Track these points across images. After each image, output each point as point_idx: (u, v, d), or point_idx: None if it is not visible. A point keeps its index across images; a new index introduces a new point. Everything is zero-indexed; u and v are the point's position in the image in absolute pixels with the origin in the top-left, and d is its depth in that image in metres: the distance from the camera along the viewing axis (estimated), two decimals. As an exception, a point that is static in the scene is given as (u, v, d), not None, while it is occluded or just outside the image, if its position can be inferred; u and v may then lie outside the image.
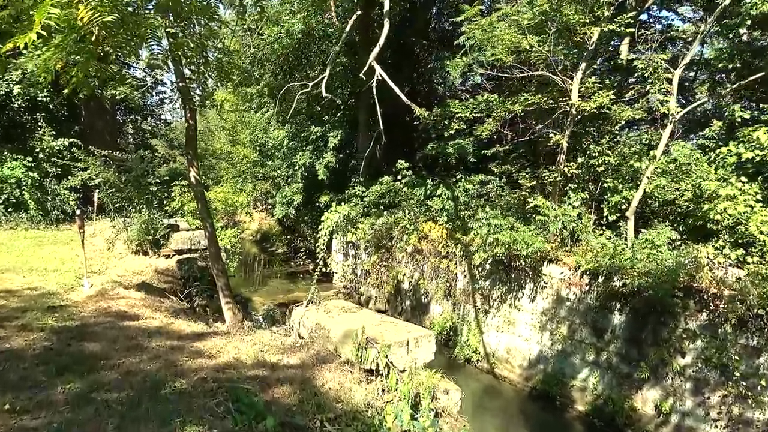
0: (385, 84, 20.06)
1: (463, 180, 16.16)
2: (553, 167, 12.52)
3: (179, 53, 7.82)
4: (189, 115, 8.83)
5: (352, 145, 20.52)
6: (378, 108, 11.38)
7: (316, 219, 22.78)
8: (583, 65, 10.87)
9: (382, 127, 11.88)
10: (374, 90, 11.44)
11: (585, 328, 11.39)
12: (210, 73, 9.16)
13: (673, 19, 16.83)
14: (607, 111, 11.98)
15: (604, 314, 10.98)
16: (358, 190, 18.90)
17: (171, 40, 7.94)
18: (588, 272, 11.20)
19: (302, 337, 7.47)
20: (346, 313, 7.77)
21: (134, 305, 8.66)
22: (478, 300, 14.19)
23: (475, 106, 12.50)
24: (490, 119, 12.02)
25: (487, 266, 13.74)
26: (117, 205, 14.30)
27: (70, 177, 16.09)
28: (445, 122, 12.60)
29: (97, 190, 15.49)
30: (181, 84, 8.42)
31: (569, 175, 12.01)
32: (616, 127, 12.51)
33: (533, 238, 11.48)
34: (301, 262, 25.20)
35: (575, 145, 12.32)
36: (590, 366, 11.30)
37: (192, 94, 9.26)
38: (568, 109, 11.27)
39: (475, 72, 16.43)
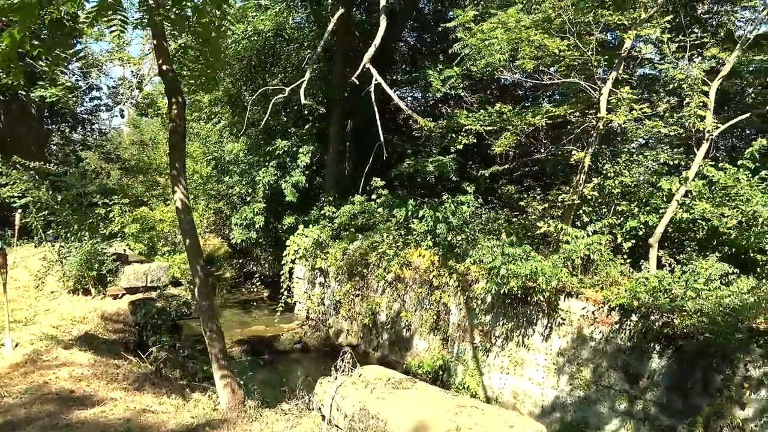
0: (356, 95, 18.44)
1: (449, 201, 14.60)
2: (566, 188, 11.21)
3: (160, 15, 5.67)
4: (175, 111, 6.60)
5: (320, 160, 18.59)
6: (377, 116, 9.67)
7: (273, 242, 20.63)
8: (613, 74, 9.68)
9: (382, 138, 10.15)
10: (372, 95, 9.71)
11: (614, 373, 10.00)
12: (200, 56, 7.01)
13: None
14: (626, 126, 10.84)
15: (638, 357, 9.63)
16: (328, 210, 16.97)
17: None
18: (618, 308, 9.86)
19: (340, 429, 5.48)
20: (398, 389, 5.77)
21: (81, 377, 6.37)
22: (477, 336, 12.60)
23: (486, 119, 11.06)
24: (508, 133, 10.58)
25: (489, 298, 12.19)
26: (51, 232, 11.64)
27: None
28: (452, 135, 11.08)
29: (19, 211, 12.73)
30: (164, 66, 6.30)
31: (589, 197, 10.72)
32: (632, 145, 11.39)
33: (555, 269, 10.03)
34: (255, 289, 22.83)
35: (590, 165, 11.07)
36: (621, 416, 9.89)
37: (180, 80, 7.04)
38: (595, 122, 10.00)
39: (456, 83, 15.00)
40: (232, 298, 21.89)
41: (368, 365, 6.59)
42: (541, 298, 10.62)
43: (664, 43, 9.62)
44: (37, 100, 14.55)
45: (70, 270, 10.18)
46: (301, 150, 16.28)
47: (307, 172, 17.12)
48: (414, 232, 14.99)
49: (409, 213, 15.58)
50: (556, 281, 9.92)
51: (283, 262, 16.64)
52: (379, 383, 5.73)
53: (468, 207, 13.25)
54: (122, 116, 22.75)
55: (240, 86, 17.90)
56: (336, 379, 5.83)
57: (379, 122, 9.88)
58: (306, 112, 17.41)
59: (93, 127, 22.16)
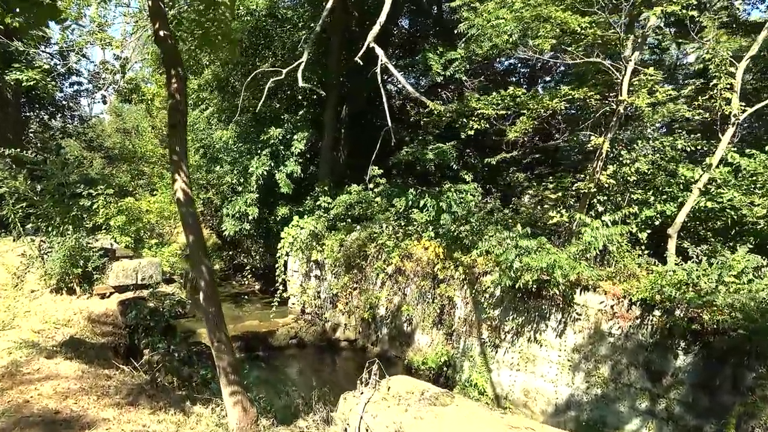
0: (351, 80, 17.65)
1: (452, 190, 13.98)
2: (581, 176, 10.63)
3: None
4: (175, 85, 5.72)
5: (314, 148, 17.81)
6: (385, 99, 8.96)
7: (265, 233, 19.87)
8: (635, 54, 9.07)
9: (390, 124, 9.42)
10: (378, 76, 8.99)
11: (635, 370, 9.51)
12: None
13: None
14: (643, 110, 10.26)
15: (662, 354, 9.14)
16: (323, 200, 16.25)
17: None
18: (640, 303, 9.34)
19: (372, 453, 4.86)
20: (435, 406, 5.10)
21: (68, 392, 5.61)
22: (485, 332, 12.05)
23: (499, 102, 10.40)
24: (524, 117, 9.94)
25: (497, 292, 11.63)
26: (30, 226, 10.69)
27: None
28: (463, 120, 10.41)
29: (-5, 203, 11.83)
30: (162, 32, 5.48)
31: (606, 185, 10.14)
32: (649, 130, 10.83)
33: (573, 262, 9.47)
34: (246, 282, 22.07)
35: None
36: (643, 415, 9.42)
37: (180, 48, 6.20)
38: (615, 106, 9.40)
39: (461, 67, 14.29)
40: (223, 292, 21.04)
41: (395, 376, 5.95)
42: (557, 292, 10.05)
43: (687, 21, 9.03)
44: (12, 83, 13.57)
45: (53, 267, 9.33)
46: (295, 137, 15.49)
47: (300, 160, 16.35)
48: (415, 223, 14.39)
49: (410, 203, 14.96)
50: (576, 275, 9.35)
51: (278, 254, 15.92)
52: (412, 399, 5.09)
53: (473, 196, 12.62)
54: (104, 103, 21.69)
55: (229, 70, 17.00)
56: (362, 394, 5.20)
57: (386, 105, 9.15)
58: (300, 97, 16.62)
59: (73, 114, 21.04)
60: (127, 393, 5.88)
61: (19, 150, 10.02)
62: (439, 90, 17.27)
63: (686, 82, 10.30)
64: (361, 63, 9.42)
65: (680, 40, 9.64)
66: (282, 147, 15.87)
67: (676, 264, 9.28)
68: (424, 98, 9.44)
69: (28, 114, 20.76)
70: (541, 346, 10.89)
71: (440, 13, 19.89)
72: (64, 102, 20.59)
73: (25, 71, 13.05)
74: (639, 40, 9.12)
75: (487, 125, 10.40)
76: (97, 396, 5.66)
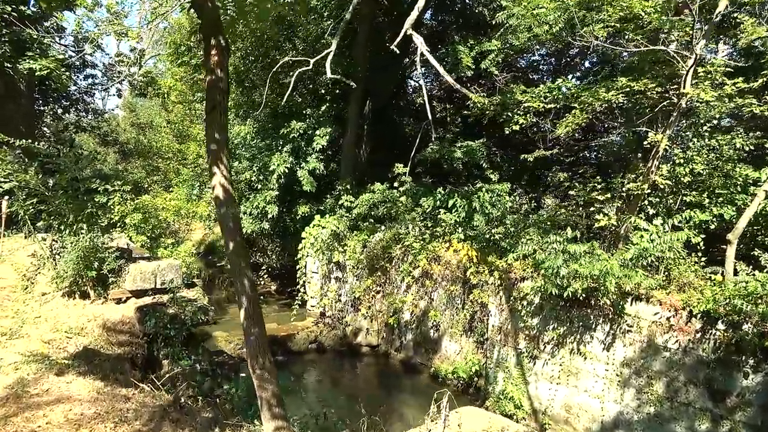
0: (376, 73, 16.87)
1: (484, 190, 13.22)
2: (631, 176, 9.83)
3: None
4: (215, 58, 4.82)
5: (336, 145, 17.10)
6: (425, 91, 8.26)
7: (282, 232, 19.22)
8: (701, 43, 8.26)
9: (431, 117, 8.66)
10: (417, 66, 8.25)
11: (694, 388, 8.72)
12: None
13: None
14: (700, 105, 9.45)
15: (726, 372, 8.34)
16: (346, 199, 15.55)
17: None
18: (701, 315, 8.55)
19: None
20: None
21: (81, 419, 4.87)
22: (522, 341, 11.29)
23: (546, 95, 9.64)
24: (576, 111, 9.17)
25: (536, 299, 10.86)
26: (42, 223, 10.02)
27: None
28: (508, 114, 9.67)
29: (6, 198, 11.22)
30: None
31: (662, 186, 9.35)
32: (705, 128, 10.00)
33: (629, 270, 8.69)
34: (263, 282, 21.43)
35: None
36: (703, 438, 8.63)
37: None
38: (676, 99, 8.60)
39: (496, 59, 13.55)
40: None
41: (465, 408, 5.27)
42: (607, 302, 9.27)
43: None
44: (25, 73, 12.96)
45: (65, 269, 8.67)
46: (317, 132, 14.77)
47: (322, 157, 15.65)
48: (443, 224, 13.65)
49: (437, 202, 14.23)
50: (633, 284, 8.58)
51: (299, 255, 15.25)
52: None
53: (510, 196, 11.85)
54: (119, 96, 21.09)
55: (249, 63, 16.32)
56: (430, 431, 4.49)
57: (426, 99, 8.39)
58: (323, 91, 15.92)
59: (87, 107, 20.45)
60: (149, 418, 5.18)
61: (30, 142, 9.36)
62: (468, 85, 16.50)
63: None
64: (398, 51, 8.67)
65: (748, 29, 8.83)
66: (303, 143, 15.18)
67: (746, 274, 8.47)
68: (466, 90, 8.71)
69: (42, 108, 20.27)
70: (585, 358, 10.11)
71: (464, 6, 19.13)
72: (77, 95, 20.02)
73: (38, 60, 12.46)
74: (706, 27, 8.30)
75: (534, 119, 9.64)
76: (114, 423, 4.96)
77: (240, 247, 5.31)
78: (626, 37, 8.81)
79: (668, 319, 8.98)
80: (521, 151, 15.33)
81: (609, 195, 9.70)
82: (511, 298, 11.38)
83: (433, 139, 15.06)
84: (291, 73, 12.50)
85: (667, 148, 9.66)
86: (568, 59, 19.18)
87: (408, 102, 21.60)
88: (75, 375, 6.03)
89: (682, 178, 10.03)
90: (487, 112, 9.91)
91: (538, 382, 10.98)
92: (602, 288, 9.07)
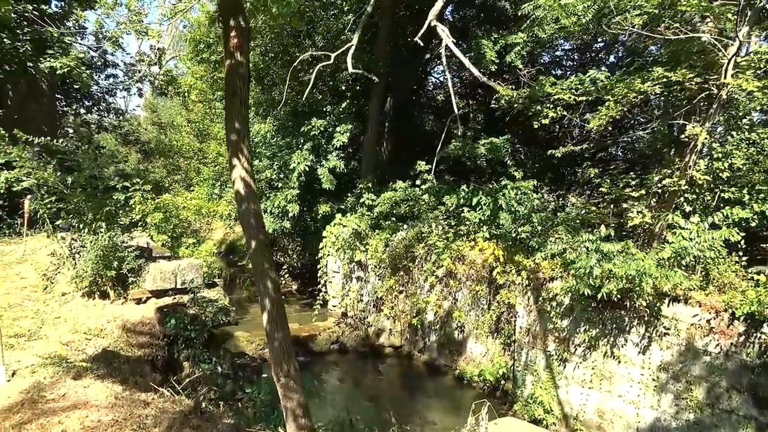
0: (396, 69, 16.55)
1: (510, 187, 12.83)
2: (666, 171, 9.39)
3: None
4: (235, 40, 4.49)
5: (356, 142, 16.85)
6: (450, 83, 7.91)
7: (302, 231, 19.05)
8: (744, 29, 7.80)
9: (456, 109, 8.38)
10: (443, 57, 7.94)
11: (737, 395, 8.27)
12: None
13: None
14: (736, 98, 8.98)
15: (772, 378, 7.90)
16: (367, 197, 15.28)
17: None
18: (745, 318, 8.10)
19: None
20: None
21: (98, 426, 4.65)
22: (551, 343, 10.92)
23: (578, 87, 9.24)
24: (610, 103, 8.77)
25: (566, 300, 10.47)
26: (60, 222, 9.92)
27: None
28: (537, 107, 9.30)
29: (29, 197, 11.15)
30: None
31: (700, 181, 8.89)
32: (744, 121, 9.52)
33: (667, 271, 8.27)
34: (284, 282, 21.31)
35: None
36: (747, 447, 8.18)
37: None
38: (717, 90, 8.16)
39: (522, 51, 13.17)
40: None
41: (505, 419, 5.00)
42: (642, 303, 8.85)
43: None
44: (46, 72, 12.93)
45: (84, 268, 8.54)
46: (337, 129, 14.53)
47: (342, 154, 15.41)
48: (467, 222, 13.30)
49: (461, 200, 13.87)
50: (671, 285, 8.16)
51: (319, 254, 15.04)
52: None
53: (537, 193, 11.46)
54: (140, 95, 21.13)
55: (269, 60, 16.15)
56: None
57: (452, 92, 8.09)
58: (343, 88, 15.66)
59: (109, 106, 20.49)
60: (169, 425, 4.94)
61: (49, 139, 9.24)
62: (491, 81, 16.10)
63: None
64: (421, 43, 8.37)
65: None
66: (323, 140, 14.95)
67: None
68: (492, 82, 8.37)
69: (65, 108, 20.38)
70: (619, 362, 9.70)
71: (486, 0, 18.74)
72: (99, 95, 20.08)
73: (59, 58, 12.41)
74: (749, 13, 7.82)
75: (563, 113, 9.26)
76: (132, 431, 4.75)
77: (262, 246, 5.01)
78: (663, 24, 8.38)
79: (708, 321, 8.54)
80: (545, 147, 14.93)
81: (643, 191, 9.26)
82: (540, 298, 11.01)
83: (460, 133, 14.72)
84: (311, 70, 12.30)
85: (705, 142, 9.18)
86: (593, 53, 18.66)
87: (429, 98, 21.28)
88: (93, 378, 5.84)
89: (720, 174, 9.55)
90: (516, 105, 9.56)
91: (568, 386, 10.60)
92: (637, 289, 8.67)
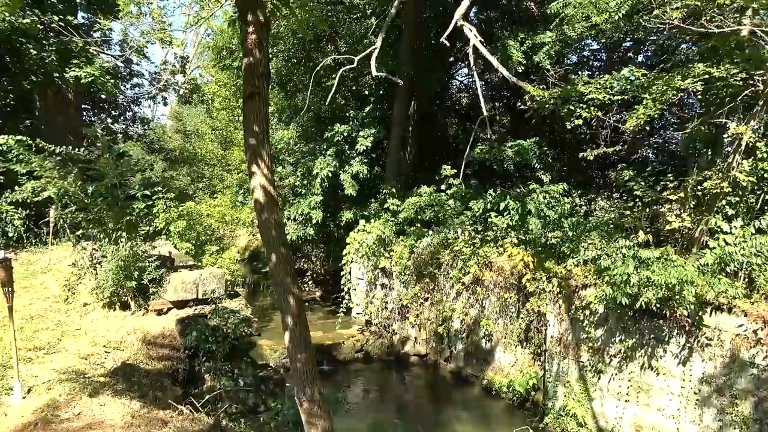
0: (420, 73, 16.28)
1: (540, 191, 12.43)
2: (708, 173, 8.92)
3: None
4: (253, 37, 4.21)
5: (379, 148, 16.63)
6: (478, 84, 7.62)
7: (326, 237, 18.89)
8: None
9: (485, 110, 8.08)
10: (470, 57, 7.65)
11: (788, 410, 7.76)
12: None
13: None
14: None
15: (828, 393, 7.38)
16: (391, 203, 15.01)
17: None
18: (796, 328, 7.59)
19: None
20: None
21: None
22: (584, 354, 10.48)
23: (612, 85, 8.85)
24: (648, 101, 8.36)
25: (600, 309, 10.03)
26: (80, 232, 9.84)
27: (17, 188, 11.41)
28: (570, 108, 8.96)
29: (54, 207, 11.16)
30: None
31: (745, 183, 8.41)
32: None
33: (710, 278, 7.81)
34: (307, 289, 21.18)
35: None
36: (800, 467, 7.66)
37: None
38: (762, 87, 7.70)
39: (551, 51, 12.81)
40: (282, 299, 20.25)
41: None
42: (684, 313, 8.38)
43: None
44: (71, 81, 13.02)
45: (105, 279, 8.44)
46: (361, 134, 14.33)
47: (366, 160, 15.20)
48: (494, 228, 12.94)
49: (488, 205, 13.51)
50: (715, 293, 7.70)
51: (343, 261, 14.81)
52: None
53: (569, 198, 11.05)
54: (165, 104, 21.30)
55: (292, 66, 16.06)
56: None
57: (480, 93, 7.79)
58: (366, 92, 15.47)
59: (135, 115, 20.70)
60: (189, 445, 4.76)
61: (71, 148, 9.20)
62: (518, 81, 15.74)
63: None
64: (447, 43, 8.08)
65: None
66: (346, 146, 14.77)
67: None
68: (523, 83, 8.06)
69: (92, 119, 20.63)
70: (657, 374, 9.23)
71: (510, 3, 18.40)
72: (125, 104, 20.28)
73: (83, 68, 12.49)
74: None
75: (598, 113, 8.88)
76: (149, 452, 4.56)
77: (284, 260, 4.67)
78: (704, 17, 7.95)
79: (755, 331, 8.04)
80: (572, 150, 14.47)
81: (683, 194, 8.81)
82: (572, 307, 10.58)
83: (489, 135, 14.40)
84: (333, 75, 12.12)
85: (749, 141, 8.69)
86: (621, 53, 18.15)
87: (453, 102, 20.98)
88: (110, 395, 5.65)
89: (765, 175, 9.03)
90: (547, 105, 9.21)
91: (603, 399, 10.15)
92: (677, 297, 8.22)
